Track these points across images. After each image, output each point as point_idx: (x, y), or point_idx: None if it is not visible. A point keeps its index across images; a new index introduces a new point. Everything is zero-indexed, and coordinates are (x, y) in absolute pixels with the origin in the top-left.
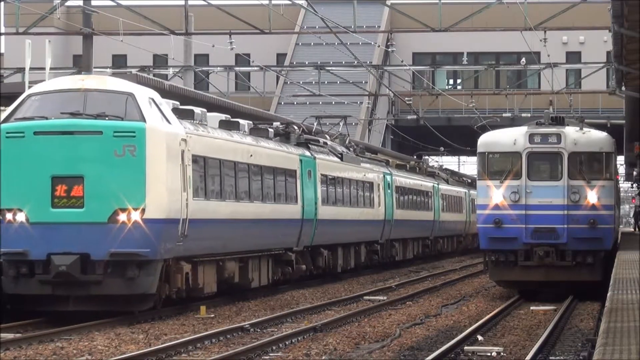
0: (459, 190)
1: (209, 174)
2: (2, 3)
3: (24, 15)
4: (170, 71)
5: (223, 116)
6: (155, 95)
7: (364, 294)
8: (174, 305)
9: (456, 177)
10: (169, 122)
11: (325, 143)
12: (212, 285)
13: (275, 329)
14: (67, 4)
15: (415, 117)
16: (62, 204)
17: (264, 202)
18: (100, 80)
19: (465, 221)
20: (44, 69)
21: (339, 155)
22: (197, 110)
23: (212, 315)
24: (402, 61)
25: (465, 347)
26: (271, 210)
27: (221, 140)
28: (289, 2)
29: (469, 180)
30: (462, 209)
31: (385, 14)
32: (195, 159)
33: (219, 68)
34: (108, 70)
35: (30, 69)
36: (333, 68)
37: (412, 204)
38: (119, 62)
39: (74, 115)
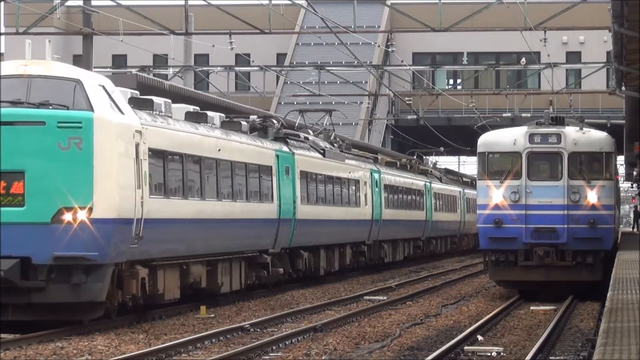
0: (453, 189)
1: (169, 170)
2: (2, 3)
3: (24, 15)
4: (170, 71)
5: (191, 108)
6: (107, 83)
7: (364, 294)
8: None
9: (450, 176)
10: (122, 112)
11: (306, 138)
12: (175, 290)
13: (275, 329)
14: (67, 4)
15: (415, 117)
16: (0, 202)
17: (235, 200)
18: (46, 66)
19: (460, 221)
20: None
21: (321, 151)
22: (158, 100)
23: (212, 315)
24: (402, 61)
25: (465, 347)
26: (243, 210)
27: (184, 133)
28: (289, 2)
29: (464, 179)
30: (457, 209)
31: (385, 14)
32: (153, 153)
33: (219, 68)
34: (108, 70)
35: None
36: (333, 68)
37: (403, 203)
38: (119, 62)
39: (14, 103)
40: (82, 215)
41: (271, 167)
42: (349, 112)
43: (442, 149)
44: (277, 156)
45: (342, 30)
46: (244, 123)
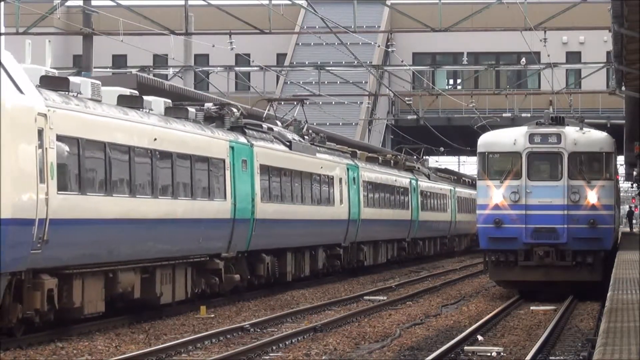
0: (443, 187)
1: (86, 161)
2: (2, 3)
3: (24, 15)
4: (170, 71)
5: (128, 91)
6: (6, 57)
7: (364, 294)
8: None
9: (440, 173)
10: (21, 92)
11: (270, 129)
12: (98, 303)
13: (275, 329)
14: (67, 4)
15: (415, 117)
16: None
17: (176, 197)
18: None
19: (450, 221)
20: None
21: (287, 143)
22: (76, 80)
23: (212, 315)
24: (402, 61)
25: (465, 347)
26: (187, 209)
27: (107, 119)
28: (289, 2)
29: (455, 177)
30: (447, 208)
31: (385, 14)
32: (63, 141)
33: (219, 68)
34: (108, 70)
35: None
36: (333, 68)
37: (385, 201)
38: (119, 62)
39: None
40: None
41: (224, 159)
42: (349, 112)
43: (442, 149)
44: (232, 148)
45: (342, 31)
46: (191, 110)
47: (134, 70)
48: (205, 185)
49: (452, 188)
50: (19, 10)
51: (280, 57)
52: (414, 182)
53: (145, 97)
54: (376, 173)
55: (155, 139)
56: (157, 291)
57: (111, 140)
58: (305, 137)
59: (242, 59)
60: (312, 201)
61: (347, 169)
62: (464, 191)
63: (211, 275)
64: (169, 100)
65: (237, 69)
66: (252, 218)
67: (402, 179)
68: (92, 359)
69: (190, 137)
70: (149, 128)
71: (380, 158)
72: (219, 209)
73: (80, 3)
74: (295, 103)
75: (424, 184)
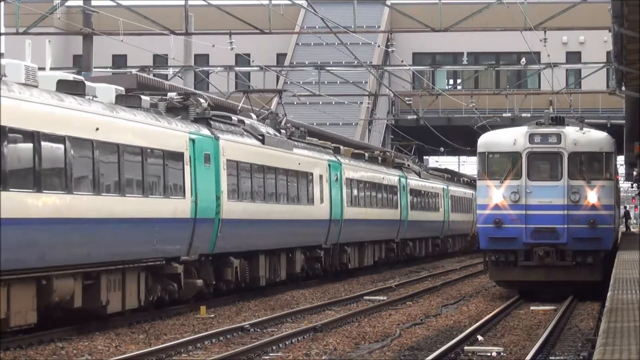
0: (435, 185)
1: (10, 152)
2: (2, 3)
3: (24, 15)
4: (170, 71)
5: (71, 76)
6: None
7: (364, 294)
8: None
9: (433, 171)
10: None
11: (241, 121)
12: (29, 314)
13: (275, 329)
14: (67, 4)
15: (415, 117)
16: None
17: (123, 195)
18: None
19: (443, 221)
20: (44, 69)
21: (260, 137)
22: (2, 62)
23: (212, 315)
24: (402, 61)
25: (465, 347)
26: (136, 207)
27: (36, 104)
28: (289, 2)
29: (450, 175)
30: (439, 207)
31: (385, 14)
32: None
33: (219, 68)
34: (108, 70)
35: None
36: (333, 68)
37: (371, 200)
38: (119, 62)
39: None
40: None
41: (183, 153)
42: (349, 112)
43: (442, 149)
44: (193, 141)
45: (342, 31)
46: (145, 99)
47: (134, 70)
48: (159, 182)
49: (445, 186)
50: (19, 10)
51: (280, 57)
52: (403, 179)
53: (91, 84)
54: (361, 170)
55: (97, 129)
56: (103, 299)
57: (42, 129)
58: (283, 131)
59: (242, 59)
60: (288, 200)
61: (329, 166)
62: (458, 190)
63: (169, 281)
64: (122, 88)
65: (237, 69)
66: (218, 218)
67: (390, 176)
68: (92, 359)
69: (140, 128)
70: (90, 117)
71: (366, 154)
72: (177, 207)
73: (80, 3)
74: (275, 96)
75: (414, 182)
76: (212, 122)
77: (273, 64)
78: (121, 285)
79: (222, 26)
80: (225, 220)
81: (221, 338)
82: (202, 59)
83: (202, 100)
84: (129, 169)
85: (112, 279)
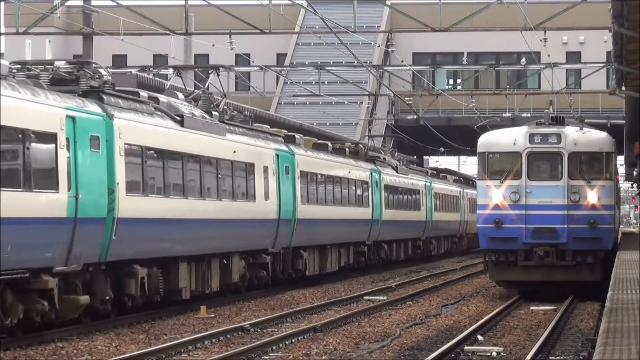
0: (416, 182)
1: None
2: (2, 3)
3: (24, 15)
4: (171, 71)
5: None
6: None
7: (364, 294)
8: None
9: (414, 166)
10: None
11: (154, 99)
12: None
13: (275, 329)
14: (67, 4)
15: (415, 117)
16: None
17: None
18: None
19: (426, 221)
20: None
21: (178, 119)
22: None
23: (212, 315)
24: (402, 61)
25: (465, 347)
26: None
27: None
28: (289, 2)
29: (434, 172)
30: (421, 206)
31: (385, 14)
32: None
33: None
34: (108, 70)
35: None
36: (333, 68)
37: (334, 197)
38: (119, 62)
39: None
40: None
41: (55, 134)
42: (349, 112)
43: (442, 149)
44: (72, 118)
45: (342, 30)
46: (3, 63)
47: (134, 70)
48: (17, 171)
49: (428, 183)
50: (19, 10)
51: (280, 57)
52: (376, 174)
53: None
54: (321, 162)
55: None
56: None
57: None
58: (215, 113)
59: (242, 59)
60: (219, 195)
61: (277, 156)
62: (444, 187)
63: (37, 298)
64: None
65: (237, 69)
66: (111, 216)
67: (359, 171)
68: (92, 359)
69: None
70: None
71: (330, 145)
72: (46, 204)
73: (80, 3)
74: (210, 72)
75: (390, 177)
76: (104, 97)
77: (273, 64)
78: None
79: (222, 26)
80: (123, 219)
81: (221, 338)
82: (202, 59)
83: (103, 72)
84: None
85: None
